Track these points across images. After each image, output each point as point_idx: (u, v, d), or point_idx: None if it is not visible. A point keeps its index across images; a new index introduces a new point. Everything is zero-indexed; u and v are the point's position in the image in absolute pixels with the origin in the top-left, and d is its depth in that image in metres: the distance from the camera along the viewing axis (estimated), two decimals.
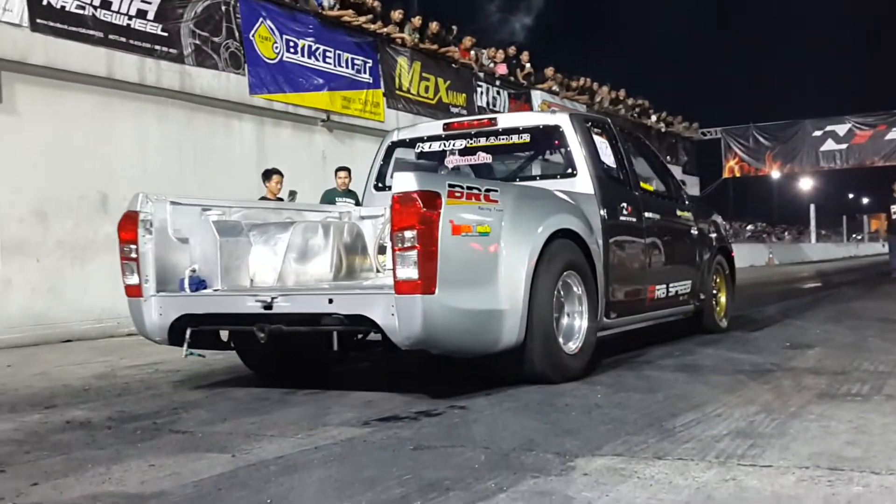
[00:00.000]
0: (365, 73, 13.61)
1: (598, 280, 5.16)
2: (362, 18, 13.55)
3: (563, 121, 5.77)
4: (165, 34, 10.44)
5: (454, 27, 16.44)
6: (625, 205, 5.76)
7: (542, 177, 5.79)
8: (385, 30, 14.10)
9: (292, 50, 12.31)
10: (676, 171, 25.81)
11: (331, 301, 4.37)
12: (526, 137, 5.93)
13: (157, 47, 10.33)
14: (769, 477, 2.68)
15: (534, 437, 3.34)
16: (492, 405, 4.11)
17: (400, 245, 4.03)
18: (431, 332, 4.08)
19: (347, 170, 9.95)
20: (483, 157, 6.07)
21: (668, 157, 25.44)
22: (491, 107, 16.73)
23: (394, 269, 4.07)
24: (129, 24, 9.98)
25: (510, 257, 4.43)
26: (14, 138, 8.88)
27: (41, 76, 9.19)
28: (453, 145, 6.15)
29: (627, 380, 4.85)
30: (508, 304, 4.38)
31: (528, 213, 4.66)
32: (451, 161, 6.16)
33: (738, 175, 32.15)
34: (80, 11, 9.44)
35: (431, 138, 6.28)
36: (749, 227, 37.11)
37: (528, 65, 18.93)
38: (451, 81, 15.59)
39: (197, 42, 10.87)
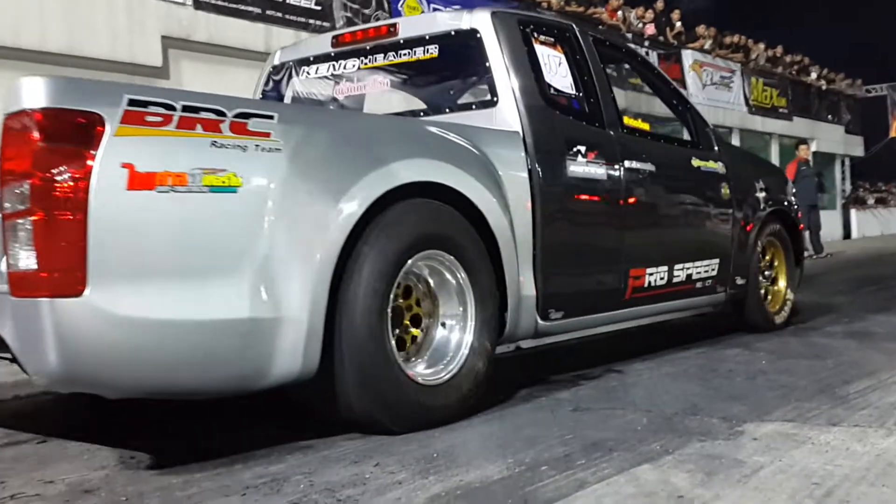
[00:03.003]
0: None
1: (504, 264, 3.37)
2: None
3: (481, 23, 3.82)
4: (318, 7, 10.71)
5: None
6: (582, 149, 3.86)
7: (455, 108, 4.00)
8: None
9: None
10: (838, 130, 24.55)
11: None
12: (433, 50, 4.02)
13: (311, 21, 10.61)
14: None
15: (697, 402, 3.27)
16: (649, 369, 4.05)
17: (10, 208, 2.35)
18: (81, 363, 2.35)
19: None
20: (380, 83, 4.30)
21: (829, 116, 24.22)
22: None
23: (5, 252, 2.39)
24: (284, 0, 10.30)
25: (292, 229, 2.68)
26: None
27: (204, 52, 9.61)
28: (344, 67, 4.32)
29: (793, 346, 4.67)
30: (285, 310, 2.63)
31: (337, 155, 2.91)
32: (342, 90, 4.47)
33: None
34: None
35: (319, 59, 4.40)
36: None
37: (678, 23, 18.35)
38: None
39: (348, 14, 11.08)
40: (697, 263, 4.64)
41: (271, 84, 4.57)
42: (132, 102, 2.44)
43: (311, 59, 4.43)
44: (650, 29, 17.16)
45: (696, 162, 4.79)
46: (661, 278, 4.34)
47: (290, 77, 4.50)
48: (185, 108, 2.53)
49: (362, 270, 2.84)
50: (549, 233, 3.63)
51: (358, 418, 2.91)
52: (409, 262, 3.03)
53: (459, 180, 3.23)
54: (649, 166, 4.26)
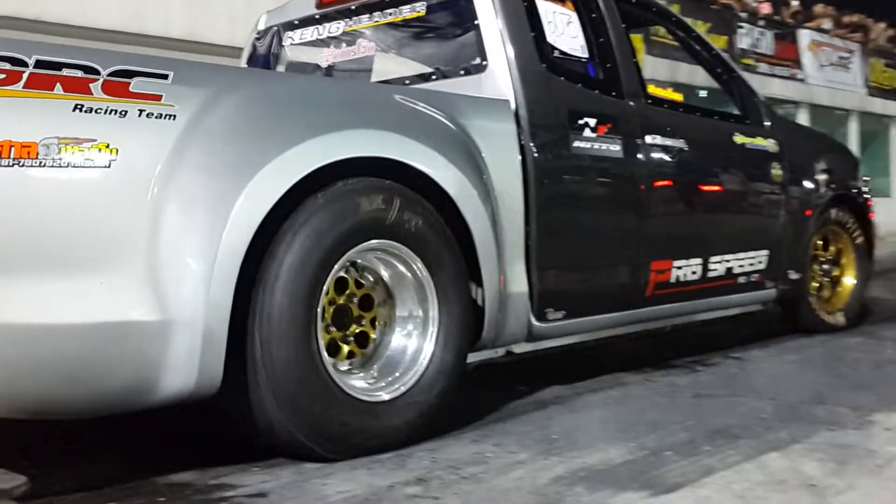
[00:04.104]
0: None
1: (480, 256, 2.84)
2: None
3: None
4: None
5: None
6: (591, 122, 3.35)
7: (442, 75, 3.42)
8: None
9: None
10: None
11: None
12: (421, 9, 3.59)
13: None
14: None
15: (822, 391, 3.19)
16: (770, 357, 3.97)
17: None
18: None
19: None
20: (365, 48, 3.83)
21: None
22: (754, 49, 15.87)
23: None
24: None
25: (186, 212, 2.20)
26: None
27: None
28: (329, 30, 3.91)
29: None
30: (174, 311, 2.16)
31: (253, 123, 2.40)
32: (328, 57, 3.98)
33: None
34: None
35: (305, 22, 3.99)
36: None
37: (795, 2, 17.74)
38: (711, 24, 14.94)
39: None
40: (741, 255, 4.03)
41: (256, 51, 4.13)
42: None
43: (297, 22, 4.01)
44: (766, 8, 16.65)
45: (739, 138, 4.16)
46: (693, 272, 3.76)
47: (276, 43, 4.08)
48: (39, 64, 2.08)
49: (282, 264, 2.35)
50: (547, 220, 3.13)
51: (281, 442, 2.43)
52: (350, 254, 2.52)
53: (419, 156, 2.71)
54: (678, 143, 3.70)
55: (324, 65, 3.98)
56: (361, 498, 2.14)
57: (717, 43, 15.29)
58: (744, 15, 15.92)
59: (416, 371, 2.65)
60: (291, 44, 4.04)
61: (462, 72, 3.32)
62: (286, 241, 2.36)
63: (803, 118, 16.96)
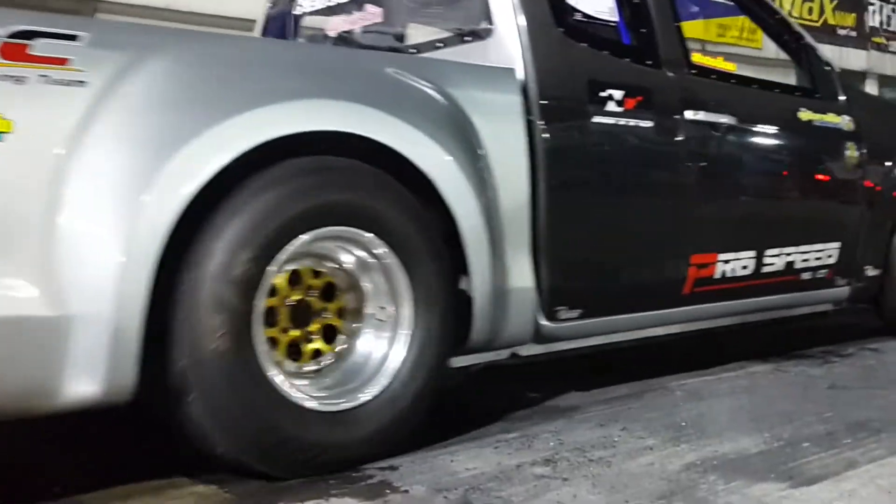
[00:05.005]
0: None
1: (468, 247, 2.46)
2: None
3: None
4: None
5: None
6: (616, 94, 2.91)
7: (448, 42, 3.02)
8: None
9: None
10: None
11: None
12: None
13: None
14: None
15: None
16: None
17: None
18: None
19: None
20: (372, 14, 3.43)
21: None
22: (884, 27, 15.16)
23: None
24: None
25: (93, 193, 1.92)
26: None
27: None
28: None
29: None
30: (75, 305, 1.88)
31: (183, 91, 2.07)
32: (335, 25, 3.60)
33: None
34: None
35: None
36: None
37: None
38: (837, 1, 14.33)
39: None
40: (805, 248, 3.56)
41: (269, 21, 3.84)
42: None
43: None
44: None
45: (805, 115, 3.64)
46: (744, 267, 3.31)
47: (288, 12, 3.77)
48: None
49: (212, 252, 2.02)
50: (559, 206, 2.73)
51: (215, 455, 2.10)
52: (300, 242, 2.18)
53: (390, 131, 2.34)
54: (727, 119, 3.24)
55: (332, 34, 3.60)
56: (490, 475, 2.14)
57: (846, 21, 14.68)
58: None
59: (383, 376, 2.32)
60: (302, 12, 3.72)
61: (468, 37, 2.93)
62: (216, 228, 2.04)
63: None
